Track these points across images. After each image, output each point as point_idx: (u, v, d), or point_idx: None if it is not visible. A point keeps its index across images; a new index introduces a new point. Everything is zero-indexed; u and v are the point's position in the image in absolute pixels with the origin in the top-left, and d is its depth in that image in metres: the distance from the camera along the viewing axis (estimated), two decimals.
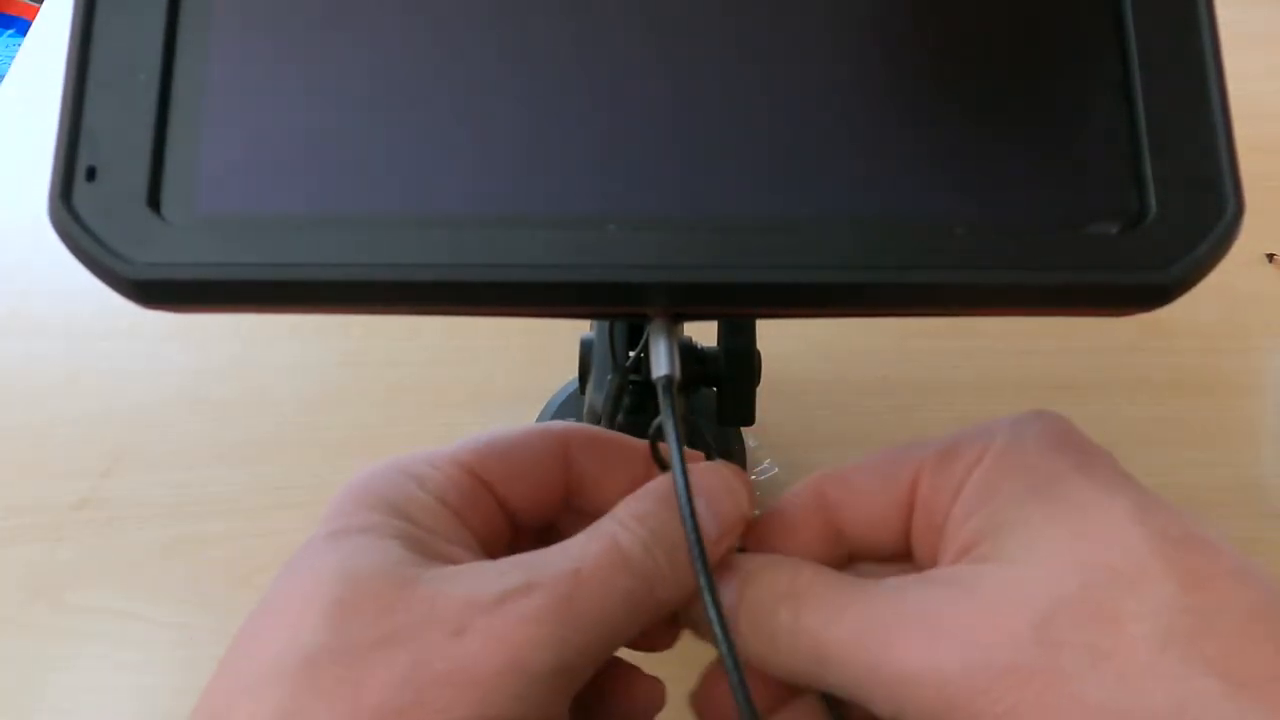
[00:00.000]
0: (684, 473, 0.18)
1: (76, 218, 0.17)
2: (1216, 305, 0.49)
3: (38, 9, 0.66)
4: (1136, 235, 0.17)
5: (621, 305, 0.18)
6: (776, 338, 0.36)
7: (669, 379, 0.18)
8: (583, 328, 0.37)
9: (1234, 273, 0.52)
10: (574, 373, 0.40)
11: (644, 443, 0.23)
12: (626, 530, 0.20)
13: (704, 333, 0.35)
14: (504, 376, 0.47)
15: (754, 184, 0.18)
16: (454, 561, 0.20)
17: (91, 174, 0.17)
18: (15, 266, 0.52)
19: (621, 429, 0.32)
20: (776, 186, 0.18)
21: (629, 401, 0.33)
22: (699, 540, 0.18)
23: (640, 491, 0.21)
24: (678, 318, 0.19)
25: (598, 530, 0.20)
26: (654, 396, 0.26)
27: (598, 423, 0.33)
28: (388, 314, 0.18)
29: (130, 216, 0.17)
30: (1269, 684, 0.16)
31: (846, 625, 0.19)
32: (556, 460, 0.24)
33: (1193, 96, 0.18)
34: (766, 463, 0.45)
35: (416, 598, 0.18)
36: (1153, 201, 0.18)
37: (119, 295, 0.18)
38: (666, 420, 0.18)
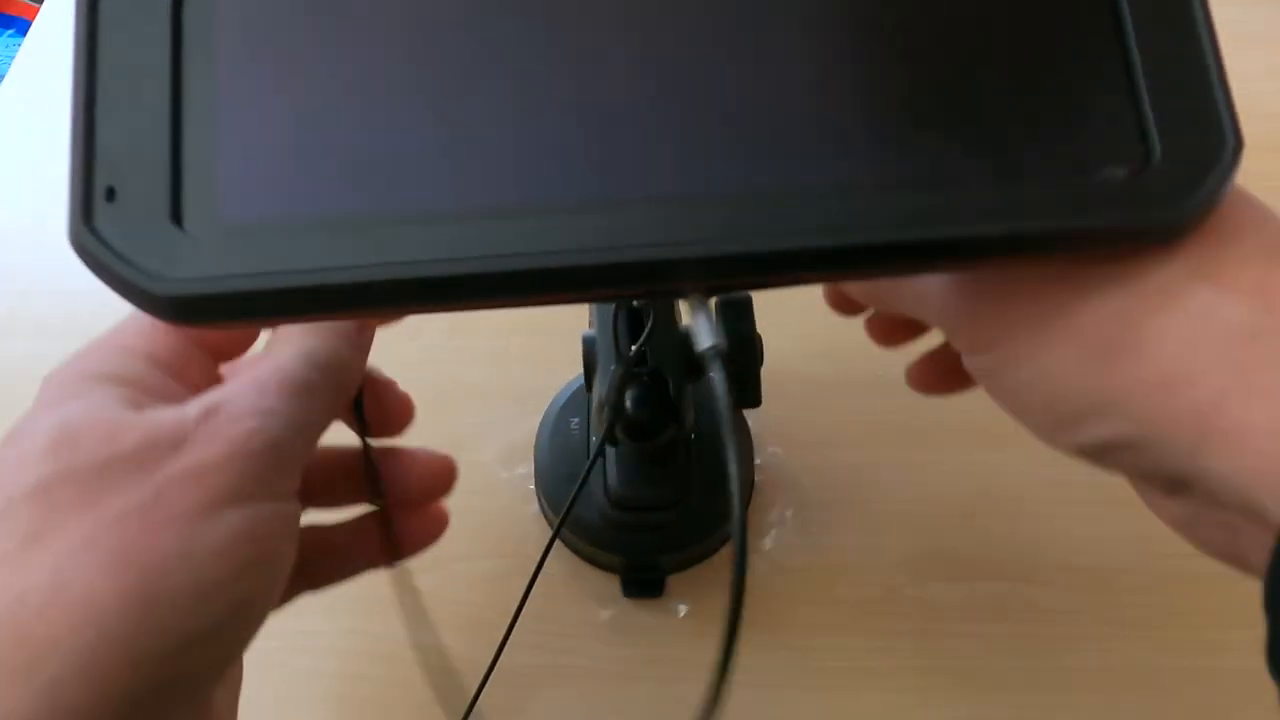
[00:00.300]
0: (735, 444, 0.19)
1: (101, 240, 0.17)
2: None
3: (38, 9, 0.66)
4: (1145, 178, 0.18)
5: (657, 283, 0.18)
6: (776, 335, 0.36)
7: (716, 348, 0.19)
8: (583, 325, 0.37)
9: None
10: (575, 372, 0.40)
11: None
12: (296, 336, 0.23)
13: None
14: (504, 376, 0.47)
15: (775, 153, 0.18)
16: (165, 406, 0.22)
17: (111, 194, 0.17)
18: (15, 266, 0.52)
19: (630, 423, 0.33)
20: (796, 155, 0.18)
21: (635, 392, 0.33)
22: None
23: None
24: (710, 292, 0.19)
25: (267, 349, 0.24)
26: (659, 389, 0.27)
27: (610, 419, 0.33)
28: (422, 312, 0.19)
29: (155, 233, 0.17)
30: None
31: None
32: None
33: (1185, 43, 0.19)
34: (771, 446, 0.45)
35: (132, 427, 0.20)
36: (1157, 145, 0.18)
37: (153, 315, 0.18)
38: (720, 391, 0.18)
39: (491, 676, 0.32)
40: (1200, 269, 0.19)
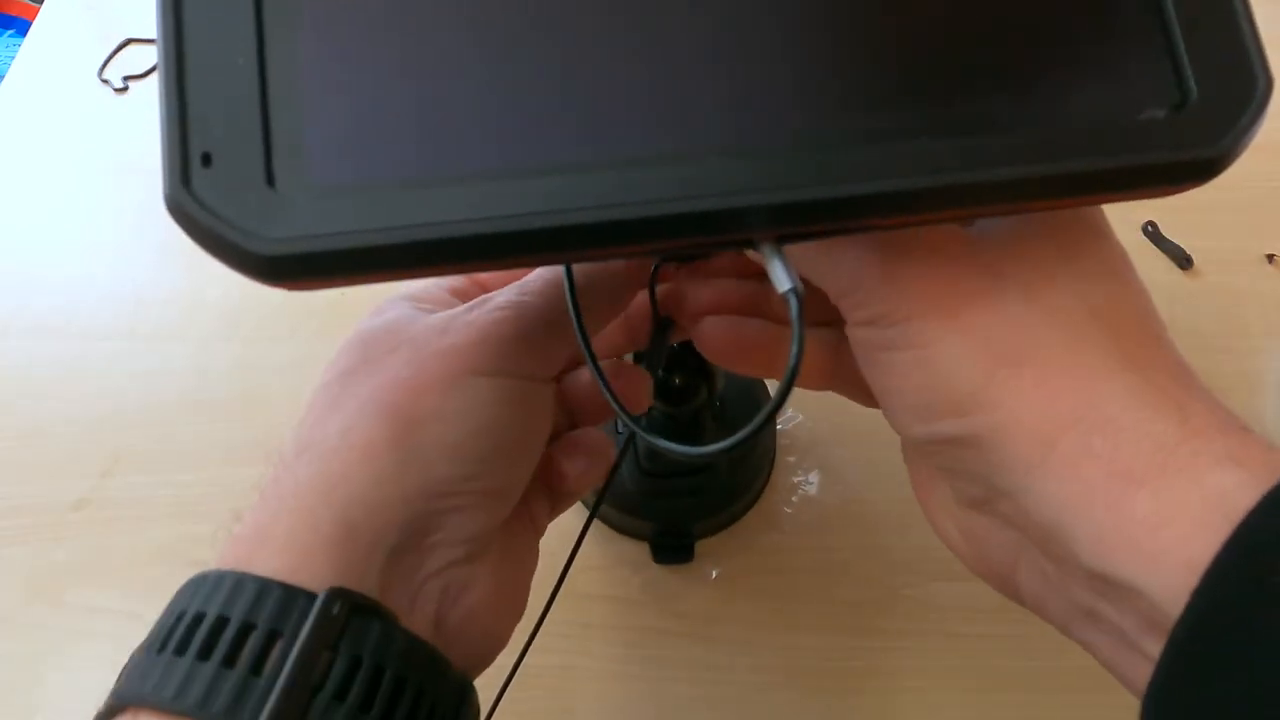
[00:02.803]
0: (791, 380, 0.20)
1: (200, 203, 0.18)
2: (1216, 305, 0.49)
3: (38, 9, 0.66)
4: (1183, 117, 0.19)
5: (731, 233, 0.19)
6: None
7: (794, 290, 0.19)
8: None
9: (1234, 273, 0.52)
10: None
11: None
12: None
13: None
14: None
15: (839, 103, 0.19)
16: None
17: (207, 159, 0.18)
18: (15, 267, 0.52)
19: (661, 383, 0.35)
20: (855, 104, 0.19)
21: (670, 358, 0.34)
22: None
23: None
24: (781, 239, 0.20)
25: (533, 273, 0.28)
26: (691, 354, 0.30)
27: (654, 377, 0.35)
28: (504, 267, 0.20)
29: (253, 196, 0.18)
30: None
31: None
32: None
33: None
34: (791, 410, 0.46)
35: (418, 325, 0.26)
36: (1193, 86, 0.19)
37: (249, 277, 0.18)
38: (796, 332, 0.20)
39: (530, 647, 0.33)
40: (1093, 306, 0.21)
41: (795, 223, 0.19)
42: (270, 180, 0.18)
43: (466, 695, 0.24)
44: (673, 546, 0.41)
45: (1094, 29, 0.20)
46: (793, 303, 0.19)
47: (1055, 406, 0.20)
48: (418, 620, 0.24)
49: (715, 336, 0.28)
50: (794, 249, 0.23)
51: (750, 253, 0.21)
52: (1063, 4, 0.20)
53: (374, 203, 0.18)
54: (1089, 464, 0.19)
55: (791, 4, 0.19)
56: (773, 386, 0.46)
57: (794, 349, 0.20)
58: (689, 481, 0.41)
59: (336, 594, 0.21)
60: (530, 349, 0.26)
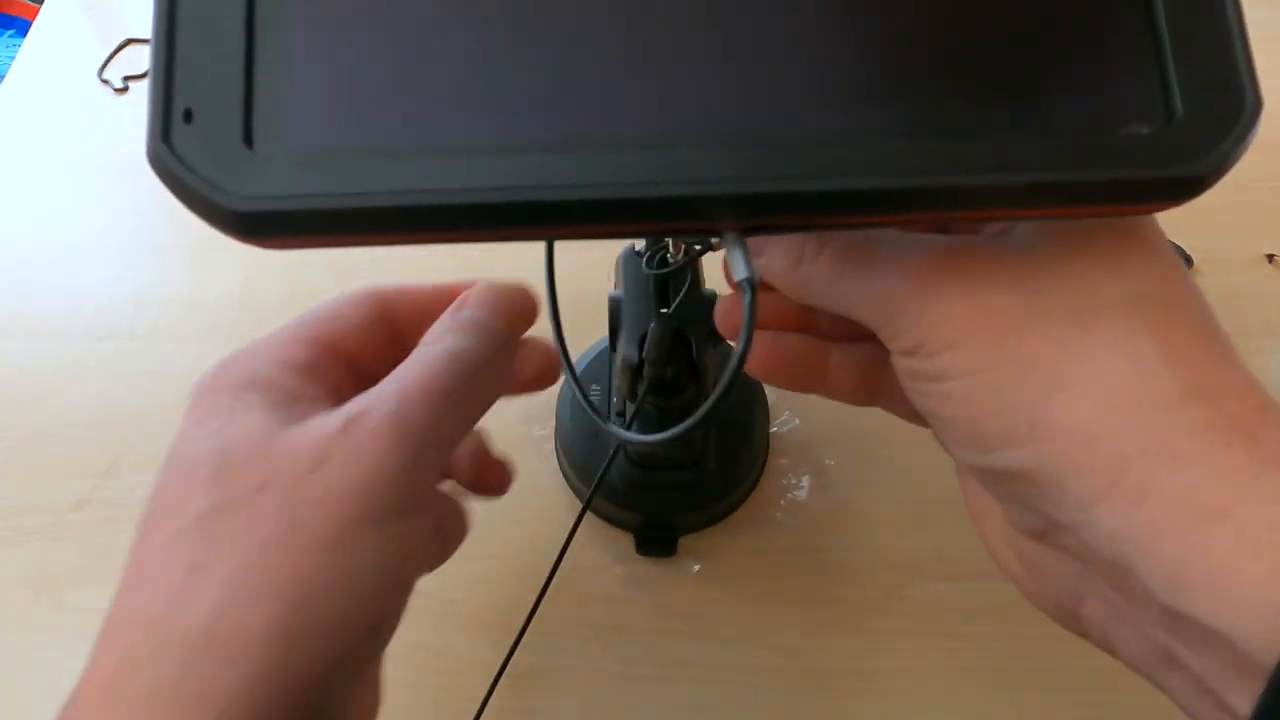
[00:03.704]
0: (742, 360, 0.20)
1: (178, 157, 0.18)
2: (1216, 305, 0.49)
3: (38, 9, 0.66)
4: (1168, 134, 0.19)
5: (694, 220, 0.19)
6: None
7: (750, 280, 0.20)
8: (592, 311, 0.38)
9: (1234, 273, 0.52)
10: (583, 347, 0.43)
11: (451, 286, 0.28)
12: (442, 337, 0.24)
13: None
14: None
15: (810, 100, 0.19)
16: (311, 415, 0.22)
17: (188, 116, 0.18)
18: (15, 267, 0.52)
19: (658, 381, 0.35)
20: (831, 102, 0.19)
21: (654, 354, 0.35)
22: None
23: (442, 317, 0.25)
24: (747, 231, 0.20)
25: (414, 355, 0.24)
26: (683, 347, 0.30)
27: (632, 377, 0.36)
28: (470, 240, 0.20)
29: (228, 154, 0.18)
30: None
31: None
32: (374, 315, 0.26)
33: (1208, 4, 0.19)
34: (786, 414, 0.46)
35: (280, 448, 0.21)
36: (1179, 103, 0.19)
37: (221, 231, 0.19)
38: (746, 320, 0.20)
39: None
40: (1149, 327, 0.20)
41: (759, 215, 0.19)
42: (248, 140, 0.18)
43: None
44: (656, 539, 0.42)
45: (1082, 38, 0.20)
46: (745, 291, 0.20)
47: (1116, 439, 0.19)
48: None
49: (755, 352, 0.27)
50: (826, 278, 0.23)
51: (714, 240, 0.21)
52: (1050, 10, 0.20)
53: (344, 169, 0.18)
54: (1156, 499, 0.18)
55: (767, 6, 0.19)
56: (777, 394, 0.46)
57: (742, 336, 0.20)
58: (676, 475, 0.41)
59: None
60: (423, 476, 0.22)
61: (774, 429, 0.45)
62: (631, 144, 0.19)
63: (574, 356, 0.45)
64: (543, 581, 0.37)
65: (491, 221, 0.19)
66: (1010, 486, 0.21)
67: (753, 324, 0.20)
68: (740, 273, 0.20)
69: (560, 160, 0.18)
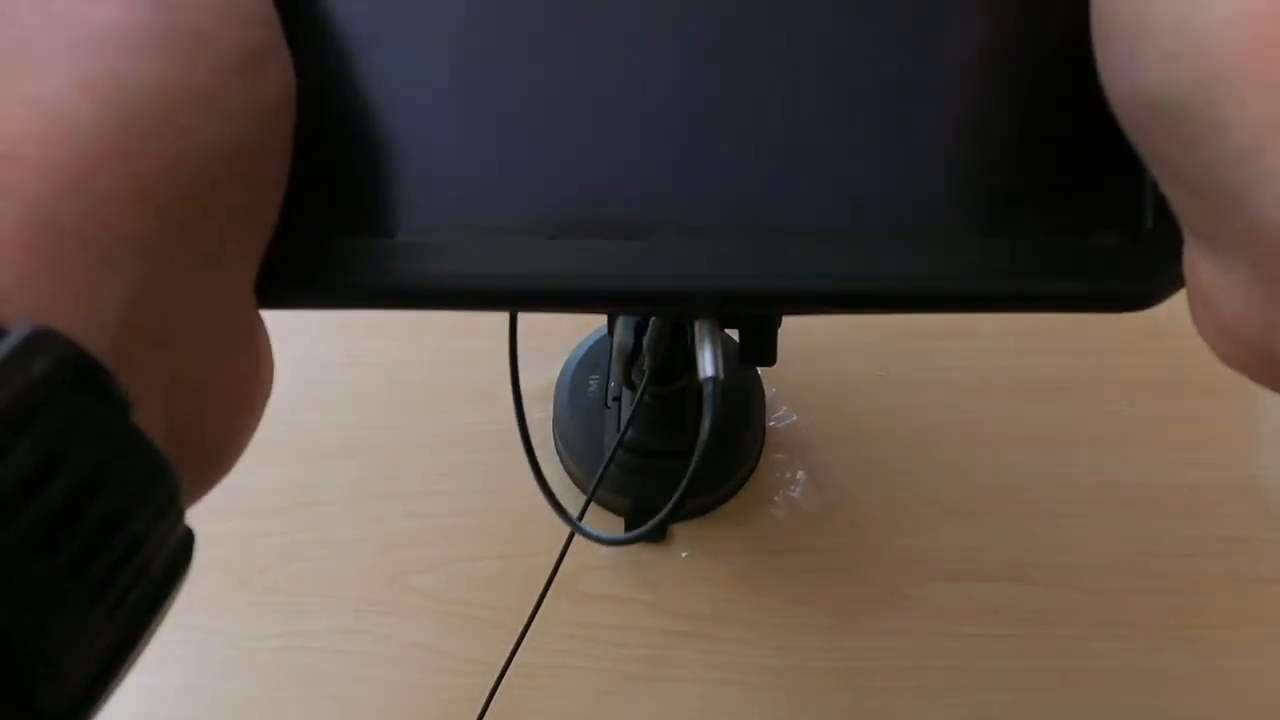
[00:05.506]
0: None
1: None
2: None
3: None
4: (1134, 245, 0.19)
5: (670, 307, 0.20)
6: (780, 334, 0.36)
7: (714, 380, 0.20)
8: (581, 333, 0.37)
9: None
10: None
11: None
12: None
13: None
14: (506, 375, 0.47)
15: (789, 197, 0.19)
16: None
17: None
18: None
19: (656, 367, 0.36)
20: (809, 199, 0.19)
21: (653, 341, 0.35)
22: None
23: None
24: (723, 321, 0.21)
25: None
26: (679, 336, 0.31)
27: (628, 361, 0.36)
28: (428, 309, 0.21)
29: None
30: None
31: None
32: None
33: None
34: (784, 409, 0.46)
35: None
36: (1149, 215, 0.19)
37: None
38: (707, 411, 0.21)
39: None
40: None
41: (732, 308, 0.21)
42: None
43: (188, 550, 0.16)
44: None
45: (1053, 145, 0.19)
46: (707, 388, 0.21)
47: (1270, 53, 0.14)
48: (146, 416, 0.15)
49: None
50: None
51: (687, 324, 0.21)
52: (1017, 119, 0.19)
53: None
54: None
55: (763, 98, 0.20)
56: (776, 388, 0.46)
57: (705, 427, 0.21)
58: (668, 463, 0.42)
59: (40, 340, 0.13)
60: None
61: (771, 423, 0.46)
62: (612, 231, 0.19)
63: (573, 344, 0.46)
64: (543, 582, 0.37)
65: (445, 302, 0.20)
66: (1167, 137, 0.17)
67: (715, 417, 0.21)
68: (706, 370, 0.20)
69: (540, 247, 0.19)
